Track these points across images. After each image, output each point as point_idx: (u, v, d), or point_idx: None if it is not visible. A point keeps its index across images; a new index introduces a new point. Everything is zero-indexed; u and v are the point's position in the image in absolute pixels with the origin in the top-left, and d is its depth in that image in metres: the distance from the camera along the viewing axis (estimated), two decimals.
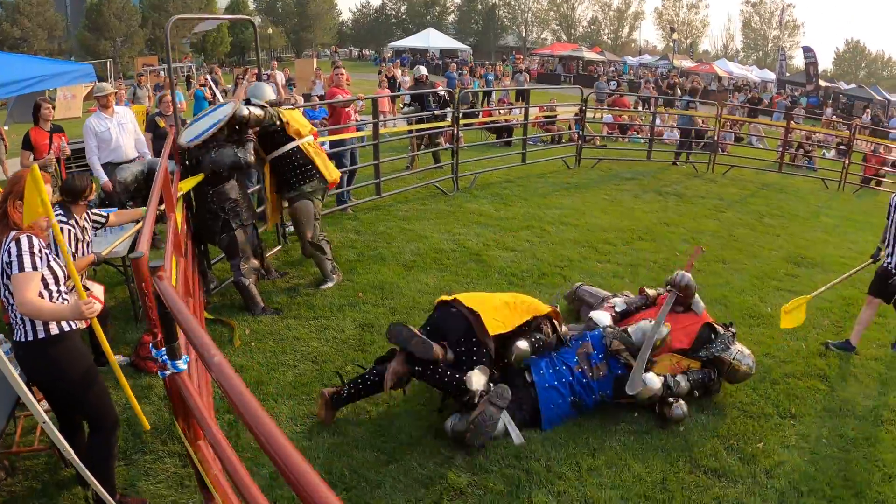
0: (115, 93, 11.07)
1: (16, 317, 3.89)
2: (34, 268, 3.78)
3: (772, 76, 53.24)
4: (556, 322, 5.83)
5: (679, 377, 5.58)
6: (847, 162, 15.90)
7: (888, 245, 6.57)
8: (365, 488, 4.59)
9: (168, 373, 2.89)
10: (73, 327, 4.02)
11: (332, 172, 7.66)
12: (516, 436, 5.11)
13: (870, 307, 6.86)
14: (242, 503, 1.95)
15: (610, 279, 8.17)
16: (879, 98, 39.31)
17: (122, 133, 9.03)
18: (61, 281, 4.01)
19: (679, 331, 5.99)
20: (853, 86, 48.66)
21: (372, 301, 7.45)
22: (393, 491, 4.57)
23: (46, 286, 3.90)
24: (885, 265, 6.57)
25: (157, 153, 9.47)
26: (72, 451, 3.48)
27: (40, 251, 3.86)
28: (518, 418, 5.24)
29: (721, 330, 5.94)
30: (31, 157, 8.84)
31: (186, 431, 3.13)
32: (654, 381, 5.39)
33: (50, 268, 3.91)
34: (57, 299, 3.97)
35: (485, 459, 4.89)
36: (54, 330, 3.91)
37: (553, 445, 5.08)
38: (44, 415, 3.19)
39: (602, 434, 5.25)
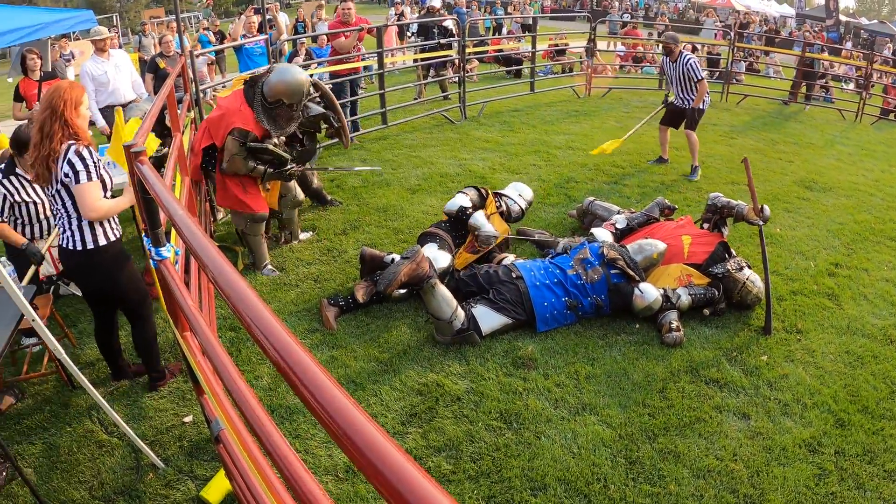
0: (112, 37, 10.96)
1: (70, 226, 4.15)
2: (98, 176, 4.07)
3: (791, 11, 52.19)
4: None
5: (681, 290, 5.54)
6: (866, 94, 15.61)
7: None
8: (362, 396, 4.62)
9: (156, 260, 2.87)
10: (118, 236, 4.33)
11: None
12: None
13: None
14: (229, 397, 1.91)
15: (618, 200, 8.06)
16: None
17: (118, 75, 8.99)
18: (108, 187, 4.23)
19: (699, 245, 5.97)
20: (875, 21, 47.69)
21: (376, 223, 7.42)
22: (389, 398, 4.60)
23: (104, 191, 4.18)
24: None
25: (157, 91, 9.40)
26: (78, 373, 3.48)
27: (97, 161, 4.10)
28: (513, 315, 5.25)
29: (734, 253, 5.92)
30: (23, 107, 8.82)
31: (175, 323, 3.12)
32: (650, 291, 5.36)
33: (100, 176, 4.12)
34: None
35: (482, 368, 4.90)
36: (102, 241, 4.20)
37: (551, 354, 5.08)
38: (49, 335, 3.17)
39: (602, 345, 5.24)
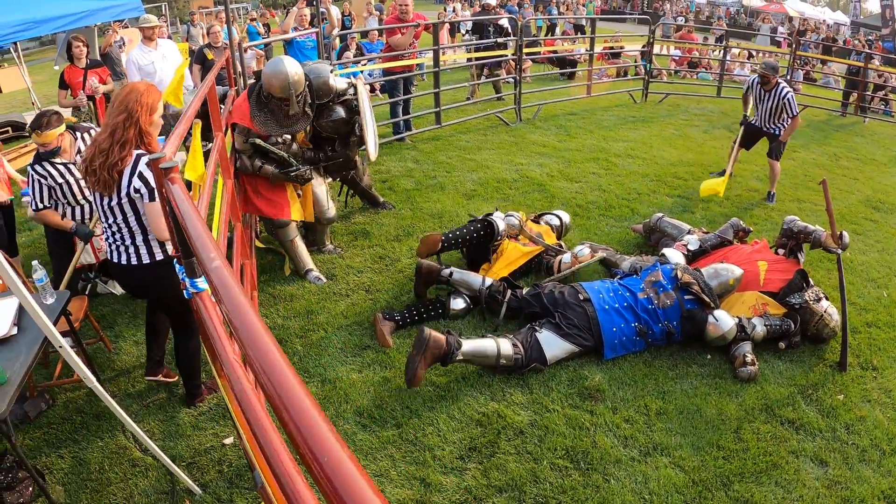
0: (160, 26, 10.78)
1: (133, 241, 3.95)
2: None
3: (845, 19, 51.13)
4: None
5: (756, 320, 5.18)
6: None
7: None
8: (417, 425, 4.30)
9: (191, 292, 2.55)
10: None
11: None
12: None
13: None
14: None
15: (680, 214, 7.67)
16: None
17: (164, 66, 8.79)
18: None
19: (776, 272, 5.60)
20: None
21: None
22: (447, 429, 4.28)
23: None
24: None
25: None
26: (101, 389, 3.23)
27: None
28: (579, 342, 4.91)
29: (812, 282, 5.56)
30: (68, 95, 8.65)
31: (212, 360, 2.83)
32: (725, 320, 5.00)
33: None
34: None
35: (547, 398, 4.57)
36: (159, 255, 4.02)
37: (620, 385, 4.73)
38: (79, 363, 2.92)
39: (673, 376, 4.87)
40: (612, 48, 18.52)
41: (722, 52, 17.07)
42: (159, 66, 8.75)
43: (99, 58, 11.52)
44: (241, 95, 6.00)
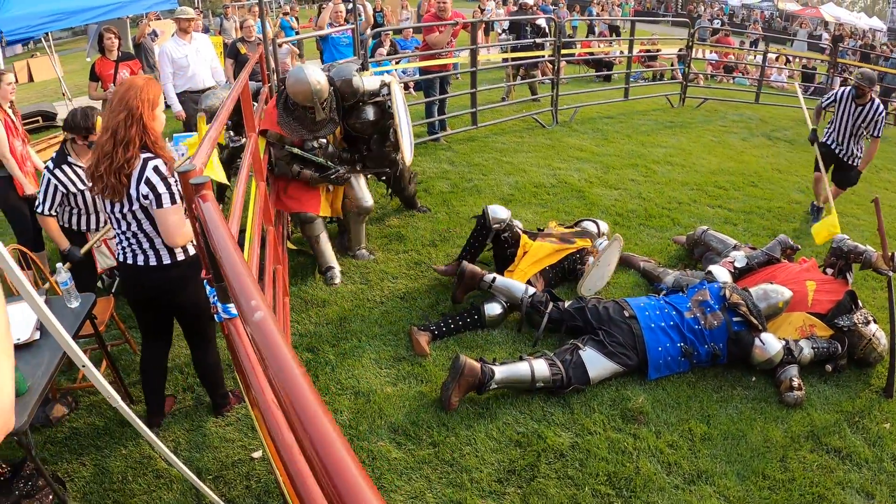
0: (196, 19, 10.67)
1: (152, 246, 3.71)
2: (180, 196, 3.54)
3: (881, 25, 50.34)
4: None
5: (803, 342, 4.94)
6: None
7: None
8: (454, 444, 4.11)
9: (223, 318, 2.37)
10: (195, 251, 3.83)
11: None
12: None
13: None
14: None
15: (722, 225, 7.41)
16: None
17: (198, 60, 8.65)
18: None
19: (824, 293, 5.35)
20: None
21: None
22: (485, 449, 4.08)
23: None
24: None
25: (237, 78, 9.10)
26: (126, 409, 3.07)
27: (176, 178, 3.60)
28: (623, 361, 4.68)
29: (861, 304, 5.31)
30: (98, 87, 8.54)
31: (244, 389, 2.65)
32: (773, 343, 4.76)
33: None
34: None
35: (588, 419, 4.36)
36: (181, 255, 3.79)
37: (664, 408, 4.51)
38: (102, 381, 2.76)
39: (717, 399, 4.64)
40: (648, 51, 18.23)
41: (761, 57, 16.71)
42: (193, 59, 8.59)
43: (131, 49, 11.44)
44: (271, 101, 5.89)
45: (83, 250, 5.04)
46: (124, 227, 3.67)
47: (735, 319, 4.84)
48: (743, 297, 4.93)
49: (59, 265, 4.18)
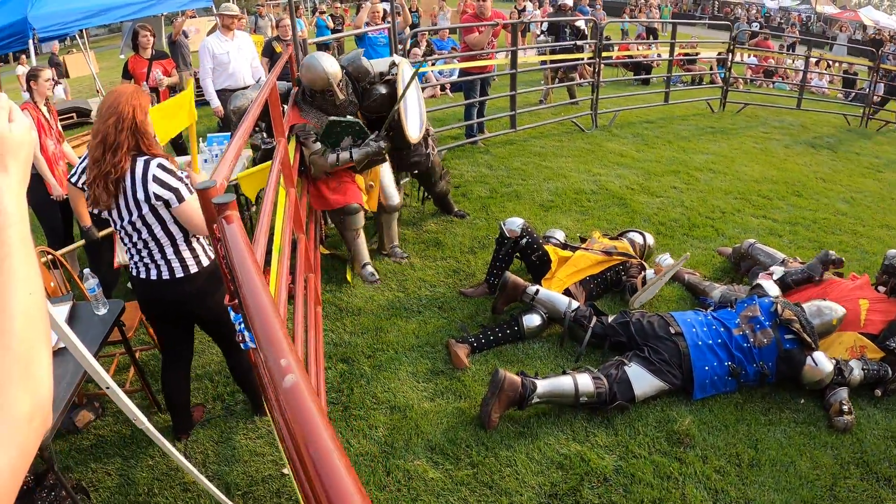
0: (241, 17, 10.59)
1: (165, 255, 3.53)
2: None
3: None
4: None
5: (853, 363, 4.66)
6: None
7: None
8: (493, 465, 3.92)
9: (250, 346, 2.15)
10: (212, 256, 3.69)
11: None
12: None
13: None
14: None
15: (767, 236, 7.12)
16: None
17: (239, 58, 8.53)
18: None
19: (877, 312, 5.07)
20: None
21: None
22: (526, 471, 3.88)
23: None
24: None
25: None
26: (153, 430, 2.91)
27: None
28: (669, 379, 4.45)
29: None
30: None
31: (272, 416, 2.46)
32: (824, 363, 4.48)
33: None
34: None
35: (633, 442, 4.15)
36: (205, 261, 3.65)
37: (710, 430, 4.28)
38: (128, 403, 2.61)
39: (765, 422, 4.38)
40: (687, 54, 17.83)
41: (803, 62, 16.28)
42: (234, 56, 8.48)
43: (165, 47, 11.37)
44: (290, 100, 5.85)
45: (102, 234, 4.97)
46: (135, 239, 3.49)
47: (787, 337, 4.58)
48: (796, 314, 4.67)
49: (86, 271, 4.05)
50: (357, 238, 6.05)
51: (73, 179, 4.70)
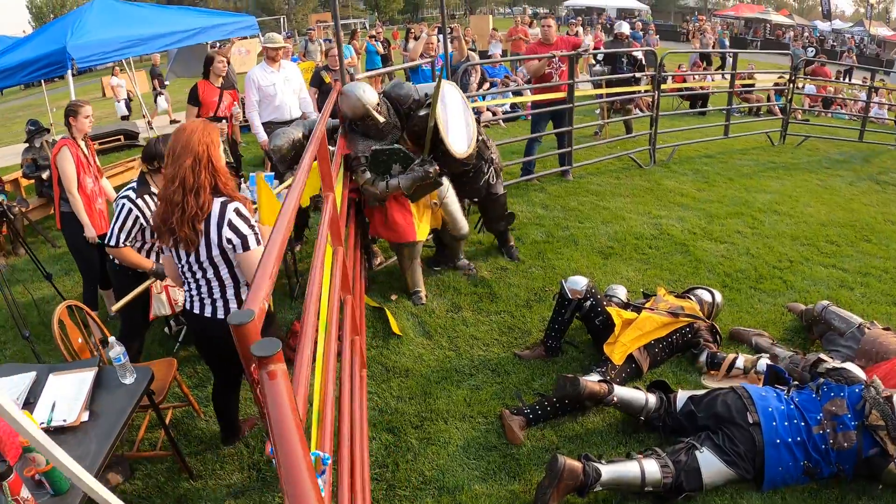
0: (286, 48, 10.34)
1: (224, 294, 3.52)
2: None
3: None
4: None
5: None
6: None
7: None
8: None
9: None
10: None
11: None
12: None
13: None
14: None
15: (838, 289, 6.57)
16: None
17: (286, 89, 8.27)
18: None
19: None
20: None
21: None
22: None
23: None
24: None
25: (321, 108, 8.70)
26: None
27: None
28: (740, 472, 3.99)
29: None
30: (198, 112, 8.18)
31: None
32: None
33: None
34: None
35: None
36: None
37: None
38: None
39: None
40: (744, 84, 17.19)
41: (866, 91, 15.57)
42: (280, 88, 8.24)
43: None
44: (339, 136, 5.82)
45: (138, 290, 4.78)
46: (198, 276, 3.45)
47: (870, 449, 3.99)
48: (884, 416, 4.02)
49: (111, 339, 3.80)
50: (411, 263, 6.19)
51: (115, 242, 4.48)
